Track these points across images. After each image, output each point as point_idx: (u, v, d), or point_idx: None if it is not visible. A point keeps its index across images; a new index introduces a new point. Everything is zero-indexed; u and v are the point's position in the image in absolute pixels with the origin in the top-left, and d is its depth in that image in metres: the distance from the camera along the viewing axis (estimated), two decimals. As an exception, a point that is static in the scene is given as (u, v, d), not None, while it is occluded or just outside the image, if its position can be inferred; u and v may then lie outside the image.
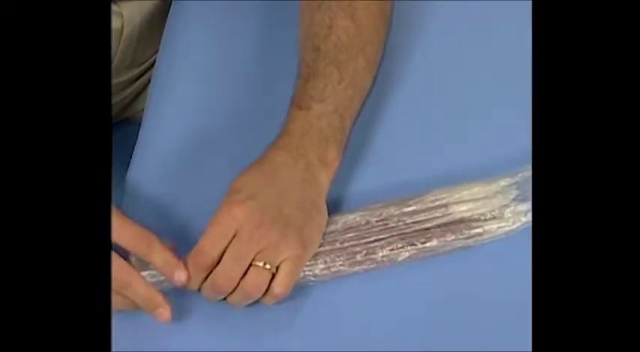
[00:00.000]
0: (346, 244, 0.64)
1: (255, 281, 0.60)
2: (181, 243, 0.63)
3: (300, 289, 0.63)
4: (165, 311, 0.60)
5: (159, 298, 0.60)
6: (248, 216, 0.60)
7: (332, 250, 0.64)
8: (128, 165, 0.72)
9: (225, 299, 0.62)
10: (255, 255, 0.60)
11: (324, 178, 0.65)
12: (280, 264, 0.60)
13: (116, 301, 0.60)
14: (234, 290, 0.60)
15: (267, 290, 0.61)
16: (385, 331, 0.63)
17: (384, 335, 0.63)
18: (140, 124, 0.75)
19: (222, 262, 0.59)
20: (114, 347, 0.52)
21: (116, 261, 0.59)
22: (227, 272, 0.59)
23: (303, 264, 0.63)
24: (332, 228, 0.65)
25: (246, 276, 0.60)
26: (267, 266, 0.60)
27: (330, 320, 0.64)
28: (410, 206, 0.66)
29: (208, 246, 0.60)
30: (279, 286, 0.60)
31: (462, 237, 0.65)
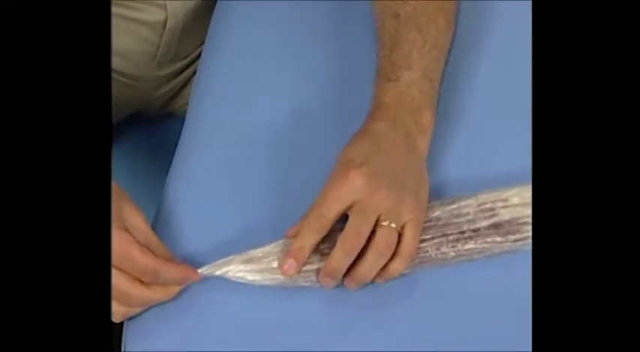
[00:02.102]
0: None
1: (386, 238, 0.59)
2: (223, 237, 0.64)
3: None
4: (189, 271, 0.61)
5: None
6: (365, 181, 0.60)
7: None
8: (169, 158, 0.73)
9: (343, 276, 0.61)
10: (379, 217, 0.60)
11: (423, 144, 0.66)
12: (404, 225, 0.61)
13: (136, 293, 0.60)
14: (363, 256, 0.60)
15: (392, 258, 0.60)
16: (402, 329, 0.63)
17: (398, 334, 0.63)
18: (183, 119, 0.76)
19: (349, 222, 0.59)
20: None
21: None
22: (356, 228, 0.59)
23: (421, 229, 0.62)
24: None
25: (376, 236, 0.60)
26: (393, 225, 0.59)
27: (349, 319, 0.63)
28: (457, 207, 0.65)
29: (326, 210, 0.60)
30: (409, 245, 0.60)
31: (509, 240, 0.64)
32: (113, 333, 0.63)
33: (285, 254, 0.61)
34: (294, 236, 0.61)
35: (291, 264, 0.61)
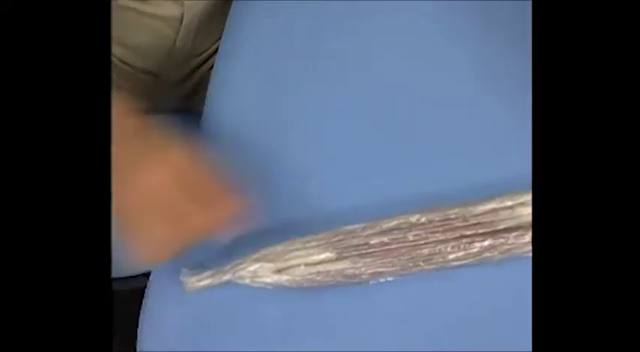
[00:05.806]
0: (408, 243, 0.63)
1: None
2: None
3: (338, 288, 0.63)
4: None
5: None
6: None
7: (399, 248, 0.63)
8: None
9: None
10: None
11: None
12: None
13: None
14: None
15: None
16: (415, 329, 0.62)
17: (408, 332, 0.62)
18: (200, 116, 0.76)
19: None
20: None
21: None
22: None
23: None
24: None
25: None
26: None
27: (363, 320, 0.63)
28: (482, 205, 0.64)
29: None
30: None
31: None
32: (130, 334, 0.63)
33: None
34: None
35: None
